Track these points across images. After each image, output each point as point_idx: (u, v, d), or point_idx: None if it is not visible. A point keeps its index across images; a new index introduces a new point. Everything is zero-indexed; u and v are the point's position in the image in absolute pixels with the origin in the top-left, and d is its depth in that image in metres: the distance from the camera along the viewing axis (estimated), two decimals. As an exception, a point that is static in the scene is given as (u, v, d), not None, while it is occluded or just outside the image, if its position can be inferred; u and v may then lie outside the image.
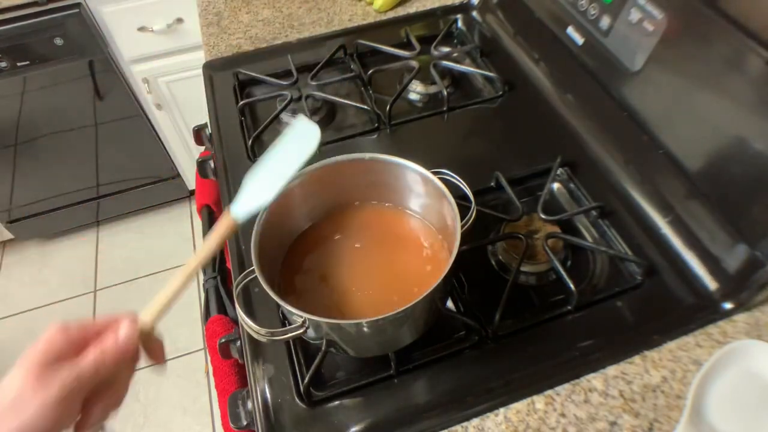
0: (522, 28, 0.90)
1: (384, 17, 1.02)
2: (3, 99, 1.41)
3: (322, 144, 0.80)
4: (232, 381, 0.62)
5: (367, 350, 0.55)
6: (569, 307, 0.58)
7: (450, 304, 0.60)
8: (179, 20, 1.38)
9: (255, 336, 0.48)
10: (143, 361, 0.41)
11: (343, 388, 0.55)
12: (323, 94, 0.85)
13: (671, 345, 0.55)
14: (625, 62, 0.70)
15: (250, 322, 0.48)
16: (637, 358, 0.55)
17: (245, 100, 0.86)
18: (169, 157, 1.74)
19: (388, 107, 0.81)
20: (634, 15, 0.67)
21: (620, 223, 0.66)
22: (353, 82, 0.91)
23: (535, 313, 0.59)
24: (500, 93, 0.85)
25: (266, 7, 1.07)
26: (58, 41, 1.32)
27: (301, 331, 0.47)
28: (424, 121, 0.83)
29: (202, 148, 0.93)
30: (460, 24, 0.99)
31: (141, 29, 1.37)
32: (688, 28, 0.61)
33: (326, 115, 0.86)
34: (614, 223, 0.66)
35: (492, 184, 0.71)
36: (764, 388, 0.52)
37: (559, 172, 0.71)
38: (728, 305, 0.57)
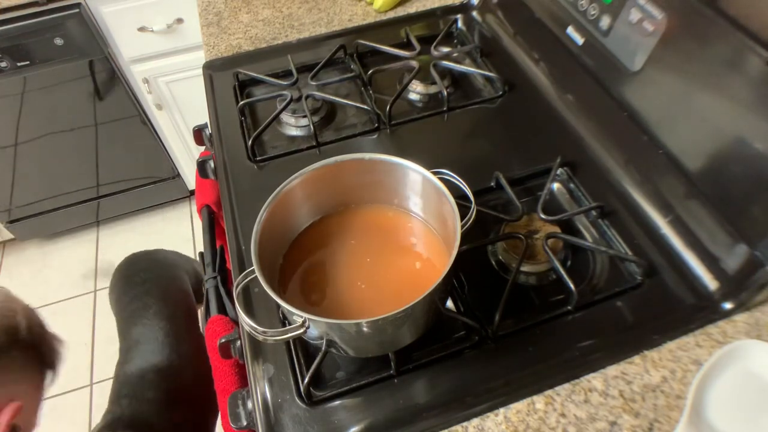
0: (522, 28, 0.90)
1: (384, 17, 1.02)
2: (3, 99, 1.41)
3: (323, 144, 0.80)
4: (232, 381, 0.62)
5: (367, 350, 0.55)
6: (569, 307, 0.58)
7: (450, 304, 0.60)
8: (179, 20, 1.38)
9: (255, 336, 0.48)
10: None
11: (343, 388, 0.55)
12: (323, 94, 0.85)
13: (671, 345, 0.55)
14: (625, 62, 0.69)
15: (250, 322, 0.48)
16: (637, 358, 0.55)
17: (245, 100, 0.86)
18: (169, 157, 1.74)
19: (388, 107, 0.81)
20: (634, 15, 0.67)
21: (620, 223, 0.66)
22: (353, 82, 0.91)
23: (535, 313, 0.59)
24: (500, 93, 0.85)
25: (266, 7, 1.07)
26: (58, 41, 1.32)
27: (301, 331, 0.47)
28: (424, 121, 0.83)
29: (202, 148, 0.93)
30: (460, 24, 0.99)
31: (141, 29, 1.37)
32: (688, 28, 0.61)
33: (326, 115, 0.86)
34: (614, 223, 0.66)
35: (492, 184, 0.71)
36: (764, 388, 0.52)
37: (559, 172, 0.71)
38: (728, 305, 0.57)
